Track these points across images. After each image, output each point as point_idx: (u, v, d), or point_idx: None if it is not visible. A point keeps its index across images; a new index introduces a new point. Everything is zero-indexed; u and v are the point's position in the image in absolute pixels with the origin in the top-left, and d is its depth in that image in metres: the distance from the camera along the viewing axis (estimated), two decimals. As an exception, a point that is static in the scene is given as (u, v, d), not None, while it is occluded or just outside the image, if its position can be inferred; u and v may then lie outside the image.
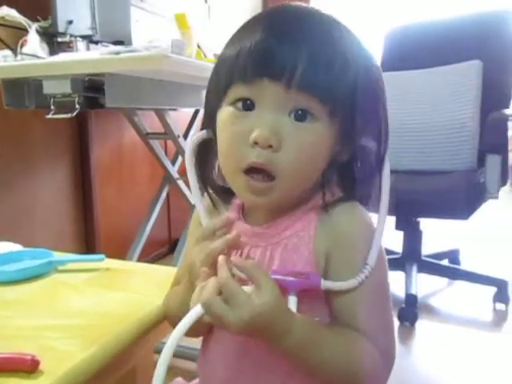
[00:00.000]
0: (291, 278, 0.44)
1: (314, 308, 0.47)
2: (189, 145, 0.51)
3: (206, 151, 0.52)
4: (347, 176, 0.51)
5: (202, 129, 0.52)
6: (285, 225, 0.49)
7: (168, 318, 0.59)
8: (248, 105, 0.44)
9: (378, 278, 0.48)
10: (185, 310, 0.44)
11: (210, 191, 0.54)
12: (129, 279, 0.76)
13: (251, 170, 0.44)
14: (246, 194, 0.46)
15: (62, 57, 1.16)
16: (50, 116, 1.19)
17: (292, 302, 0.44)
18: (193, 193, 0.52)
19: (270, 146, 0.42)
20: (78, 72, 1.10)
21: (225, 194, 0.54)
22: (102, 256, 0.81)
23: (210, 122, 0.50)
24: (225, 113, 0.46)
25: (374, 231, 0.48)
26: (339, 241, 0.47)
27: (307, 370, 0.44)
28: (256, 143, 0.42)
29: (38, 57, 1.39)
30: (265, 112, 0.43)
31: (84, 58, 1.11)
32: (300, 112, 0.43)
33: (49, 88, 1.18)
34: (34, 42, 1.52)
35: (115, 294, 0.68)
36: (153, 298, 0.66)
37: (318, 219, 0.48)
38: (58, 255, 0.82)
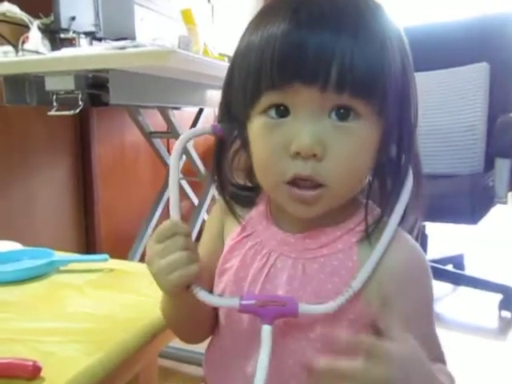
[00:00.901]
0: (267, 306, 0.40)
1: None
2: (178, 142, 0.47)
3: (222, 154, 0.49)
4: (386, 188, 0.45)
5: (221, 136, 0.48)
6: (323, 241, 0.44)
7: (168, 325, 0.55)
8: (282, 111, 0.40)
9: (427, 311, 0.47)
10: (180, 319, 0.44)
11: (225, 195, 0.50)
12: (134, 281, 0.74)
13: (295, 181, 0.40)
14: (292, 205, 0.42)
15: (65, 52, 1.13)
16: (52, 113, 1.16)
17: (265, 332, 0.40)
18: (171, 188, 0.47)
19: (314, 155, 0.38)
20: (82, 68, 1.07)
21: (244, 198, 0.51)
22: (105, 256, 0.78)
23: (234, 128, 0.46)
24: (257, 124, 0.42)
25: (427, 264, 0.45)
26: (396, 280, 0.42)
27: None
28: (298, 153, 0.38)
29: (39, 53, 1.37)
30: (302, 117, 0.39)
31: (88, 53, 1.08)
32: (342, 110, 0.39)
33: (51, 84, 1.15)
34: (35, 39, 1.50)
35: (120, 296, 0.66)
36: (156, 302, 0.63)
37: (359, 240, 0.44)
38: (59, 255, 0.79)
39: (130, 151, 2.05)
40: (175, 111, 1.65)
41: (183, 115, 1.91)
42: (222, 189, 0.50)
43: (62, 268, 0.77)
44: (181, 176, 1.81)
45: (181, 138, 0.47)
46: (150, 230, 1.79)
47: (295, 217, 0.43)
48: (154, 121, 1.81)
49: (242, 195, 0.51)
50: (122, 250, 1.86)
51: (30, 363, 0.44)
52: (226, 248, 0.50)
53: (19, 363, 0.44)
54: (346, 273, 0.42)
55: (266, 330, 0.40)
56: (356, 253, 0.43)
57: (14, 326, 0.55)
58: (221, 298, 0.45)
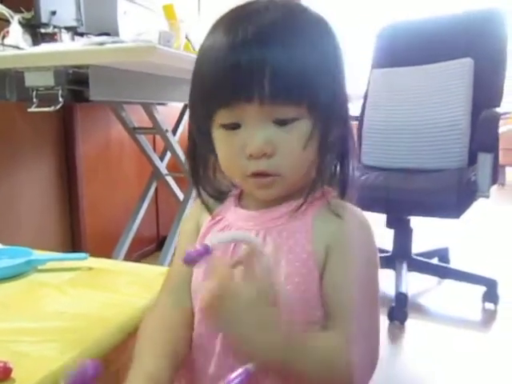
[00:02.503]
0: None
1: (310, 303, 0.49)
2: None
3: (196, 156, 0.55)
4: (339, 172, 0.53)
5: (190, 138, 0.54)
6: (281, 212, 0.51)
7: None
8: (235, 125, 0.48)
9: (368, 276, 0.50)
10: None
11: (203, 192, 0.56)
12: (112, 279, 0.73)
13: (256, 174, 0.48)
14: (256, 190, 0.50)
15: (44, 47, 1.12)
16: (32, 109, 1.15)
17: None
18: None
19: (265, 155, 0.47)
20: (61, 64, 1.06)
21: (220, 195, 0.56)
22: (84, 255, 0.78)
23: (202, 133, 0.52)
24: (217, 134, 0.50)
25: (373, 235, 0.51)
26: (341, 239, 0.49)
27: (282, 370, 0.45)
28: (251, 155, 0.47)
29: (20, 48, 1.35)
30: (251, 127, 0.47)
31: (67, 48, 1.06)
32: (280, 121, 0.47)
33: (31, 80, 1.14)
34: (16, 34, 1.48)
35: (98, 294, 0.65)
36: (137, 299, 0.63)
37: (316, 212, 0.51)
38: (38, 254, 0.78)
39: (115, 147, 2.03)
40: (161, 107, 1.64)
41: (170, 111, 1.90)
42: (197, 187, 0.56)
43: (40, 267, 0.76)
44: (166, 172, 1.81)
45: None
46: (135, 227, 1.78)
47: (261, 199, 0.52)
48: (139, 117, 1.79)
49: (217, 192, 0.56)
50: (107, 246, 1.85)
51: (1, 365, 0.43)
52: (199, 236, 0.55)
53: (-11, 364, 0.44)
54: (300, 236, 0.49)
55: None
56: (311, 219, 0.50)
57: (-12, 327, 0.55)
58: None
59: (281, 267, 0.48)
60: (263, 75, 0.44)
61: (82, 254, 0.78)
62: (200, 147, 0.54)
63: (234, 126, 0.48)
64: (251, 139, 0.47)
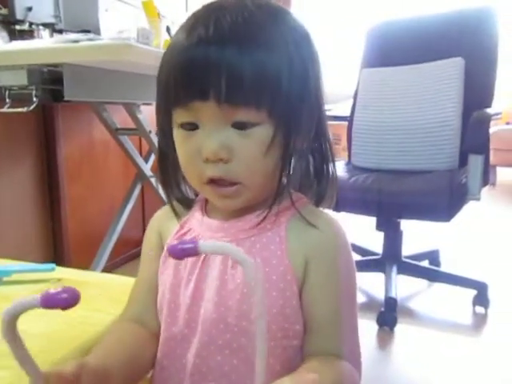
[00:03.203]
0: None
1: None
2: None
3: (167, 161, 0.52)
4: (306, 177, 0.51)
5: (159, 141, 0.53)
6: (253, 222, 0.48)
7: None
8: (192, 125, 0.46)
9: (349, 285, 0.49)
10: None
11: (172, 199, 0.54)
12: (82, 292, 0.68)
13: (213, 181, 0.46)
14: (217, 200, 0.48)
15: (16, 45, 1.06)
16: (4, 110, 1.10)
17: None
18: None
19: (221, 159, 0.44)
20: (33, 62, 1.01)
21: (187, 201, 0.54)
22: (52, 265, 0.73)
23: (164, 133, 0.50)
24: (176, 134, 0.48)
25: (349, 243, 0.50)
26: (319, 251, 0.48)
27: None
28: (207, 159, 0.44)
29: (-5, 45, 1.29)
30: (208, 129, 0.45)
31: (38, 46, 1.01)
32: (239, 124, 0.44)
33: (3, 79, 1.08)
34: (-9, 31, 1.42)
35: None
36: (103, 315, 0.59)
37: (288, 222, 0.49)
38: (2, 265, 0.74)
39: (99, 149, 1.98)
40: (146, 107, 1.59)
41: (153, 111, 1.85)
42: (167, 193, 0.53)
43: (5, 279, 0.71)
44: (150, 174, 1.76)
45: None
46: (118, 229, 1.73)
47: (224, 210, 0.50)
48: (123, 117, 1.74)
49: (186, 199, 0.54)
50: (90, 250, 1.80)
51: None
52: (164, 252, 0.53)
53: None
54: (275, 247, 0.47)
55: None
56: (284, 229, 0.48)
57: None
58: None
59: None
60: (220, 74, 0.42)
61: (50, 265, 0.73)
62: (164, 148, 0.52)
63: (192, 127, 0.46)
64: (207, 141, 0.45)
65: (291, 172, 0.49)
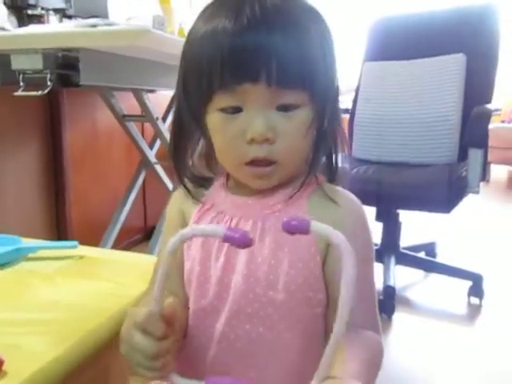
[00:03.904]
0: None
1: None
2: (175, 239, 0.39)
3: (181, 142, 0.54)
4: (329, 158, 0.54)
5: (175, 123, 0.53)
6: (278, 198, 0.51)
7: None
8: (236, 109, 0.47)
9: (366, 257, 0.51)
10: None
11: (183, 179, 0.55)
12: (105, 268, 0.71)
13: (253, 162, 0.48)
14: (252, 180, 0.50)
15: (33, 29, 1.07)
16: (18, 93, 1.11)
17: None
18: None
19: (267, 140, 0.46)
20: (51, 46, 1.02)
21: (203, 182, 0.56)
22: (74, 243, 0.75)
23: (194, 118, 0.51)
24: (215, 118, 0.48)
25: (367, 217, 0.52)
26: (340, 226, 0.47)
27: None
28: (253, 140, 0.46)
29: (5, 30, 1.30)
30: (253, 111, 0.46)
31: (57, 30, 1.03)
32: (283, 106, 0.47)
33: (18, 63, 1.09)
34: (1, 15, 1.43)
35: (90, 284, 0.63)
36: (131, 289, 0.61)
37: (309, 197, 0.51)
38: (27, 242, 0.76)
39: (104, 135, 1.99)
40: (150, 94, 1.61)
41: (158, 98, 1.87)
42: (180, 173, 0.55)
43: (30, 255, 0.73)
44: (155, 161, 1.78)
45: (181, 234, 0.40)
46: (123, 216, 1.75)
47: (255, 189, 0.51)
48: (127, 104, 1.75)
49: (199, 178, 0.56)
50: (94, 237, 1.82)
51: (-8, 356, 0.41)
52: (190, 223, 0.54)
53: (-21, 357, 0.42)
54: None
55: None
56: (305, 205, 0.51)
57: (-25, 317, 0.52)
58: (187, 381, 0.43)
59: (284, 253, 0.49)
60: (270, 57, 0.44)
61: (73, 242, 0.75)
62: (188, 133, 0.53)
63: (235, 111, 0.47)
64: (254, 123, 0.46)
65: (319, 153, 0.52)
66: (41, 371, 0.42)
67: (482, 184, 1.58)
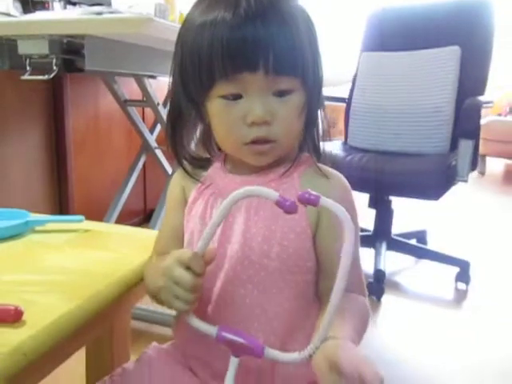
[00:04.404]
0: (238, 339, 0.47)
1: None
2: (236, 194, 0.46)
3: (179, 125, 0.58)
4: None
5: (172, 109, 0.58)
6: (271, 176, 0.57)
7: (146, 288, 0.60)
8: (235, 96, 0.52)
9: (356, 233, 0.54)
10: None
11: (182, 161, 0.60)
12: (109, 240, 0.76)
13: (254, 142, 0.53)
14: (251, 157, 0.55)
15: (39, 15, 1.11)
16: (25, 77, 1.15)
17: (233, 362, 0.47)
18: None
19: (265, 122, 0.51)
20: (57, 32, 1.06)
21: (201, 163, 0.61)
22: (81, 217, 0.81)
23: (193, 105, 0.56)
24: (216, 104, 0.53)
25: (351, 190, 0.58)
26: (330, 195, 0.51)
27: None
28: (253, 123, 0.51)
29: (10, 15, 1.34)
30: (253, 97, 0.51)
31: (63, 17, 1.07)
32: (279, 92, 0.52)
33: (24, 48, 1.14)
34: (6, 1, 1.46)
35: (96, 253, 0.68)
36: (133, 259, 0.66)
37: (300, 175, 0.57)
38: (34, 216, 0.81)
39: (105, 119, 2.04)
40: (151, 80, 1.65)
41: (159, 84, 1.91)
42: (178, 155, 0.60)
43: (37, 228, 0.78)
44: (155, 145, 1.82)
45: (241, 192, 0.46)
46: (123, 198, 1.80)
47: (252, 165, 0.56)
48: (128, 89, 1.79)
49: (198, 160, 0.61)
50: (95, 219, 1.86)
51: (13, 308, 0.47)
52: (189, 200, 0.60)
53: (2, 308, 0.47)
54: (291, 196, 0.52)
55: (234, 361, 0.48)
56: (298, 181, 0.56)
57: (-6, 279, 0.58)
58: (202, 324, 0.50)
59: (277, 225, 0.54)
60: (267, 47, 0.49)
61: (79, 217, 0.80)
62: (185, 117, 0.57)
63: (235, 97, 0.52)
64: (253, 108, 0.51)
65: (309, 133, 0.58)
66: (54, 322, 0.48)
67: (476, 176, 1.63)
